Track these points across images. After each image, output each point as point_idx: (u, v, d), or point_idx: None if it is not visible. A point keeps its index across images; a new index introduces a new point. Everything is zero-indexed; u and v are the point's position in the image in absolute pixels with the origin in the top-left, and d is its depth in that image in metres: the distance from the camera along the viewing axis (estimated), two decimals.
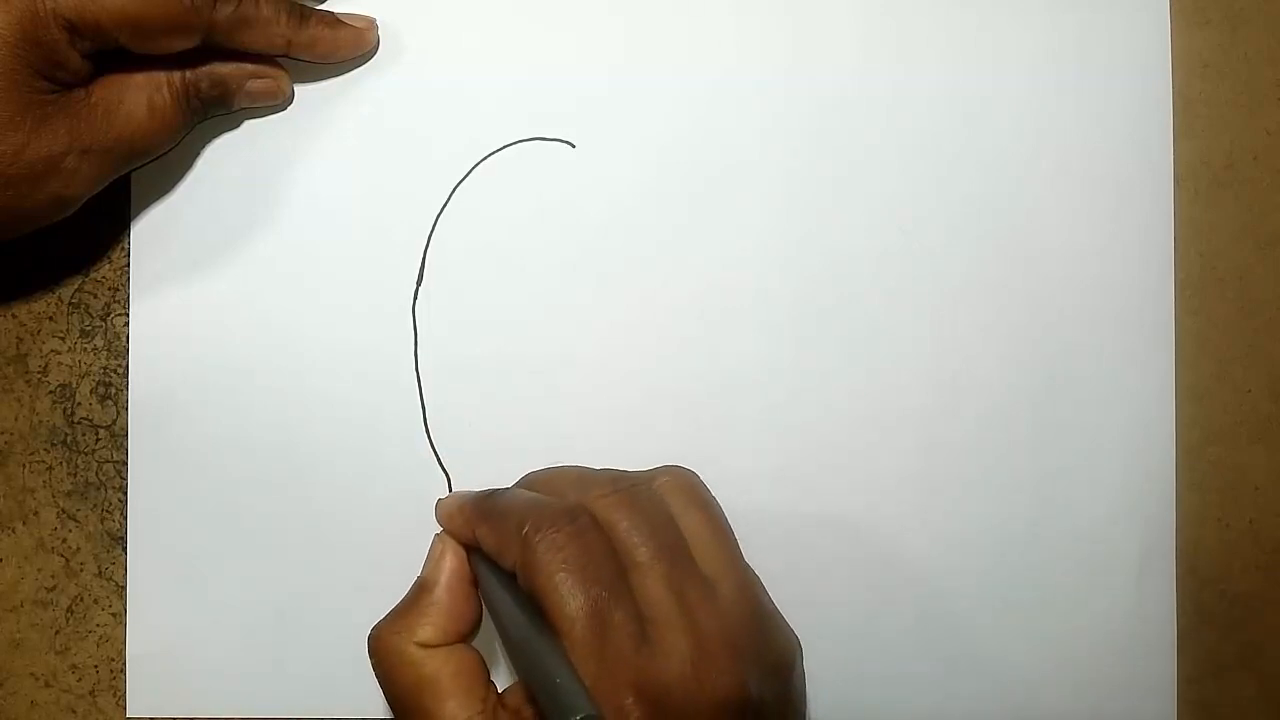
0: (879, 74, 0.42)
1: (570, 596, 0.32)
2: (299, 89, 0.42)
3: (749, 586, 0.35)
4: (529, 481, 0.38)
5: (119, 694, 0.42)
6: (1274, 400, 0.43)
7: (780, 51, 0.42)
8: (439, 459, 0.42)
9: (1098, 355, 0.42)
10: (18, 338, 0.43)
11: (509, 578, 0.34)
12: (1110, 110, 0.42)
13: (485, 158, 0.42)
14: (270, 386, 0.42)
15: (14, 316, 0.43)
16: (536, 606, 0.33)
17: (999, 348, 0.42)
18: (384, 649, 0.35)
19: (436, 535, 0.37)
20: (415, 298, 0.42)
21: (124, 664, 0.42)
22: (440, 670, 0.34)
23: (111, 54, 0.38)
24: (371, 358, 0.42)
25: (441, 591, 0.36)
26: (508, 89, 0.42)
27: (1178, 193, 0.43)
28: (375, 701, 0.42)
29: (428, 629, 0.35)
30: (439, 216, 0.42)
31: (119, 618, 0.42)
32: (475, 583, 0.36)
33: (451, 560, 0.36)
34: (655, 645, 0.32)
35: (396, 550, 0.42)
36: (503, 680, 0.36)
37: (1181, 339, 0.43)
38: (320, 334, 0.42)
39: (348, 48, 0.41)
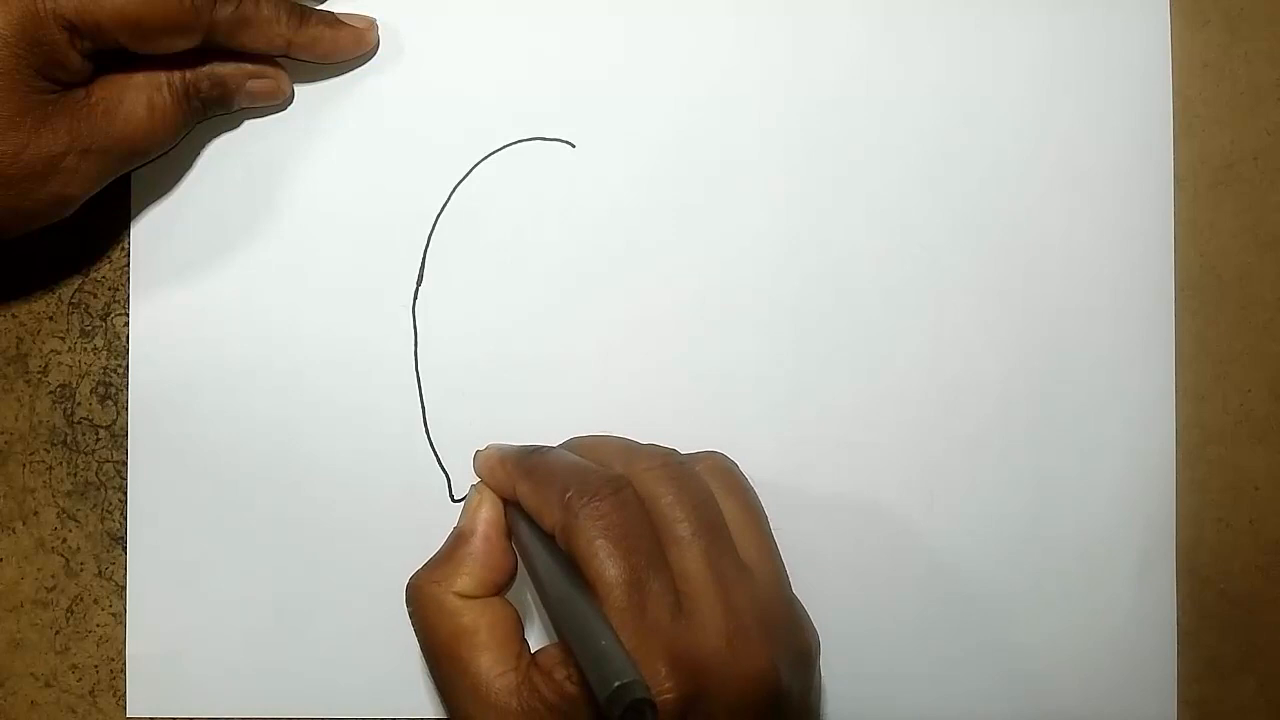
0: (879, 74, 0.42)
1: (609, 563, 0.32)
2: (299, 89, 0.42)
3: (782, 576, 0.36)
4: (573, 445, 0.38)
5: (119, 694, 0.42)
6: (1274, 400, 0.43)
7: (780, 51, 0.42)
8: (439, 459, 0.42)
9: (1098, 355, 0.42)
10: (18, 338, 0.43)
11: (547, 537, 0.34)
12: (1110, 110, 0.42)
13: (485, 158, 0.42)
14: (270, 386, 0.42)
15: (14, 316, 0.43)
16: (575, 569, 0.33)
17: (999, 348, 0.42)
18: (423, 598, 0.35)
19: (474, 486, 0.37)
20: (415, 298, 0.42)
21: (124, 664, 0.42)
22: (478, 621, 0.34)
23: (111, 54, 0.38)
24: (371, 358, 0.42)
25: (479, 542, 0.36)
26: (508, 89, 0.42)
27: (1178, 193, 0.43)
28: (375, 701, 0.42)
29: (465, 579, 0.35)
30: (439, 216, 0.42)
31: (119, 618, 0.42)
32: (511, 536, 0.36)
33: (489, 512, 0.36)
34: (691, 618, 0.32)
35: (396, 550, 0.42)
36: (535, 640, 0.36)
37: (1181, 339, 0.43)
38: (320, 334, 0.42)
39: (348, 48, 0.41)
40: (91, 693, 0.43)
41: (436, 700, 0.42)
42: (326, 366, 0.42)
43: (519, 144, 0.42)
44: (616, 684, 0.28)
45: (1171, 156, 0.43)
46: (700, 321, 0.42)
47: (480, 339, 0.42)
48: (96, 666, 0.43)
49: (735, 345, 0.42)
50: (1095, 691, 0.42)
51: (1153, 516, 0.42)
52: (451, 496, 0.42)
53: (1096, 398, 0.42)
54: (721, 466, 0.37)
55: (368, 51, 0.42)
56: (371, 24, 0.42)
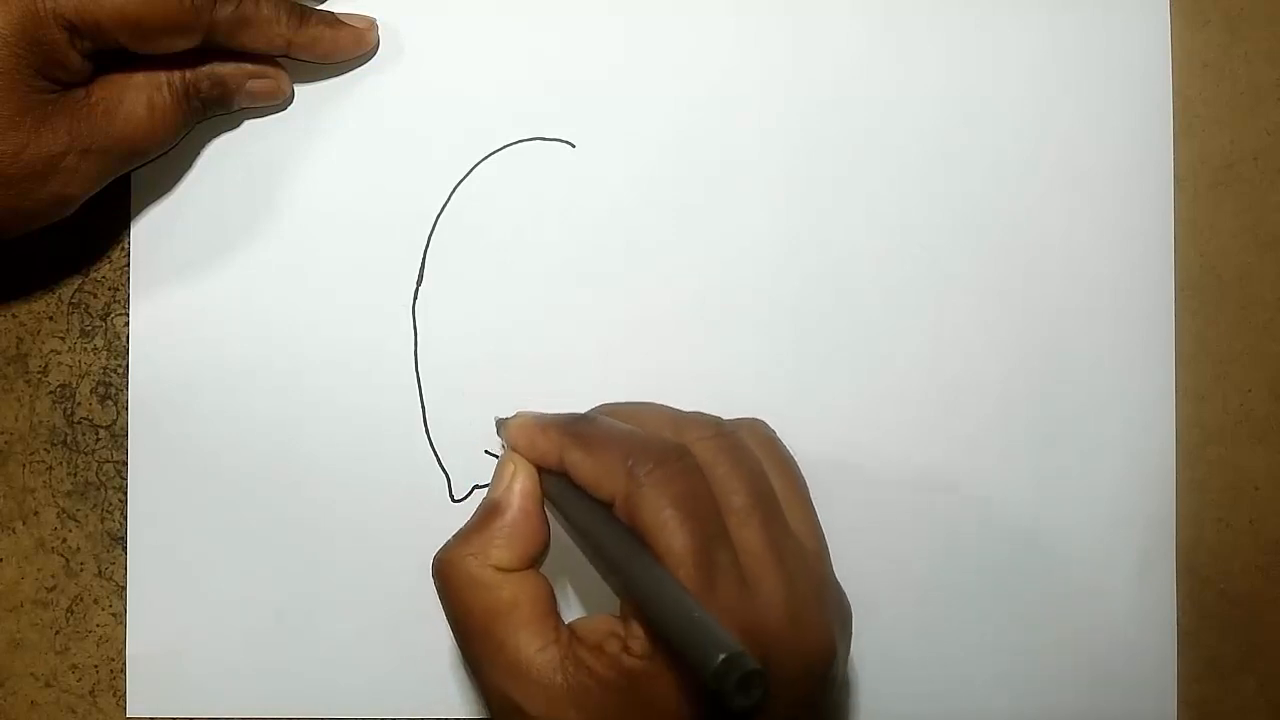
0: (879, 74, 0.42)
1: (679, 534, 0.31)
2: (299, 89, 0.42)
3: (824, 547, 0.35)
4: (610, 412, 0.37)
5: (119, 694, 0.42)
6: (1274, 400, 0.43)
7: (780, 51, 0.42)
8: (439, 459, 0.42)
9: (1098, 355, 0.42)
10: (18, 338, 0.43)
11: (602, 507, 0.33)
12: (1110, 110, 0.42)
13: (485, 158, 0.42)
14: (270, 386, 0.42)
15: (14, 316, 0.43)
16: (639, 540, 0.32)
17: (999, 348, 0.42)
18: (456, 572, 0.34)
19: (505, 455, 0.36)
20: (415, 298, 0.42)
21: (124, 664, 0.42)
22: (517, 595, 0.33)
23: (111, 54, 0.38)
24: (371, 358, 0.42)
25: (516, 513, 0.34)
26: (508, 89, 0.42)
27: (1178, 193, 0.43)
28: (375, 701, 0.42)
29: (502, 551, 0.34)
30: (439, 216, 0.42)
31: (119, 618, 0.42)
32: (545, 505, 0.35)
33: (525, 481, 0.35)
34: (755, 591, 0.32)
35: (396, 550, 0.42)
36: (568, 611, 0.35)
37: (1181, 339, 0.43)
38: (320, 334, 0.42)
39: (348, 48, 0.41)
40: (91, 693, 0.43)
41: (436, 700, 0.42)
42: (326, 366, 0.42)
43: (519, 144, 0.42)
44: (722, 656, 0.27)
45: (1171, 156, 0.43)
46: (700, 321, 0.42)
47: (480, 339, 0.42)
48: (96, 666, 0.43)
49: (735, 345, 0.42)
50: (1095, 691, 0.42)
51: (1153, 516, 0.42)
52: (451, 496, 0.42)
53: (1096, 398, 0.42)
54: (765, 436, 0.36)
55: (368, 51, 0.42)
56: (371, 24, 0.42)
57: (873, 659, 0.42)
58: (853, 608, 0.35)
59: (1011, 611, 0.42)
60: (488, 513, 0.35)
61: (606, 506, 0.33)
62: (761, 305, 0.42)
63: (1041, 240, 0.42)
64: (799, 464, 0.36)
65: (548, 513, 0.35)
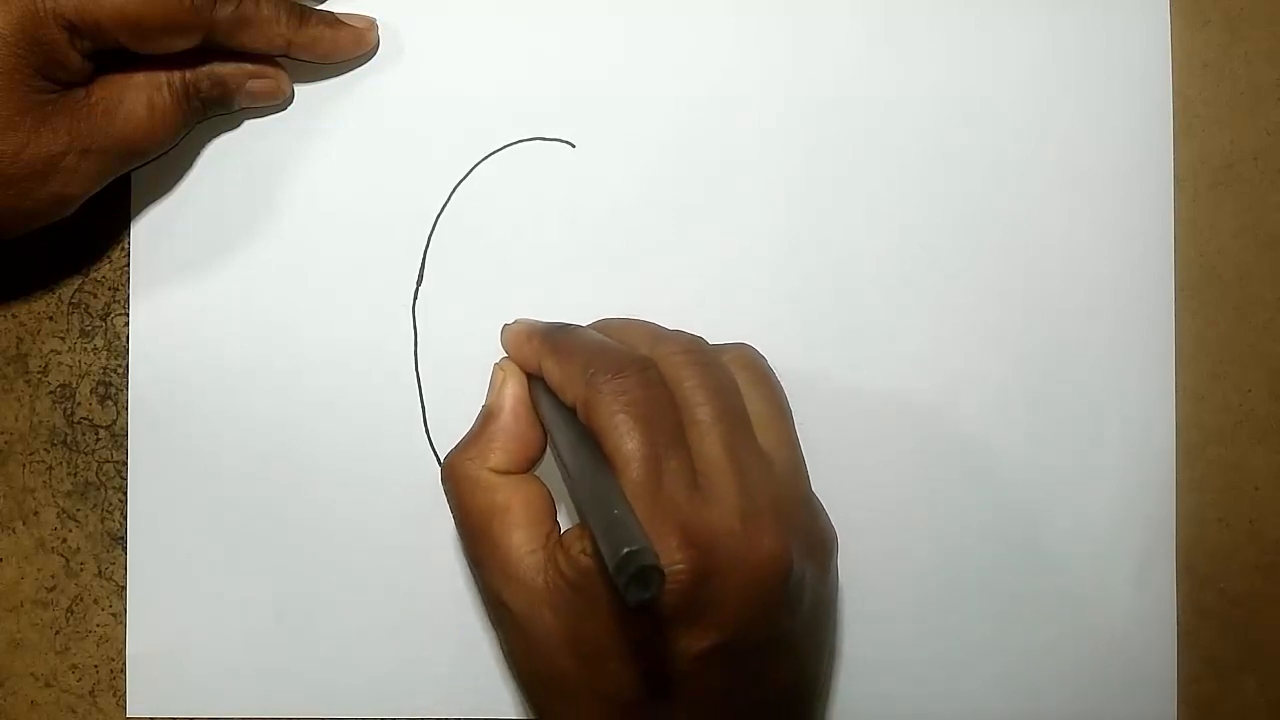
0: (879, 74, 0.42)
1: (628, 437, 0.32)
2: (299, 89, 0.42)
3: (801, 469, 0.36)
4: (601, 326, 0.38)
5: (119, 694, 0.42)
6: (1274, 400, 0.43)
7: (780, 51, 0.42)
8: (439, 459, 0.42)
9: (1098, 355, 0.42)
10: (18, 338, 0.43)
11: (570, 412, 0.34)
12: (1110, 110, 0.42)
13: (485, 158, 0.42)
14: (270, 386, 0.42)
15: (14, 316, 0.43)
16: (595, 445, 0.33)
17: (999, 347, 0.42)
18: (459, 475, 0.35)
19: (498, 363, 0.37)
20: (415, 298, 0.42)
21: (124, 664, 0.42)
22: (511, 498, 0.35)
23: (112, 54, 0.38)
24: (371, 358, 0.42)
25: (508, 417, 0.36)
26: (508, 89, 0.42)
27: (1178, 193, 0.43)
28: (375, 701, 0.42)
29: (498, 454, 0.35)
30: (439, 216, 0.42)
31: (119, 618, 0.42)
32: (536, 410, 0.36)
33: (514, 387, 0.36)
34: (706, 496, 0.32)
35: (396, 550, 0.42)
36: (566, 522, 0.36)
37: (1181, 339, 0.43)
38: (320, 334, 0.42)
39: (348, 48, 0.41)
40: (91, 693, 0.43)
41: (436, 700, 0.42)
42: (326, 366, 0.42)
43: (519, 144, 0.42)
44: (625, 550, 0.28)
45: (1171, 156, 0.43)
46: (700, 321, 0.42)
47: (480, 339, 0.42)
48: (96, 666, 0.43)
49: None
50: (1095, 691, 0.42)
51: (1153, 516, 0.42)
52: None
53: (1096, 398, 0.42)
54: (749, 358, 0.37)
55: (368, 51, 0.42)
56: (371, 24, 0.42)
57: (872, 658, 0.42)
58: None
59: (1012, 611, 0.42)
60: (485, 418, 0.36)
61: (572, 412, 0.34)
62: (762, 304, 0.42)
63: (1041, 240, 0.42)
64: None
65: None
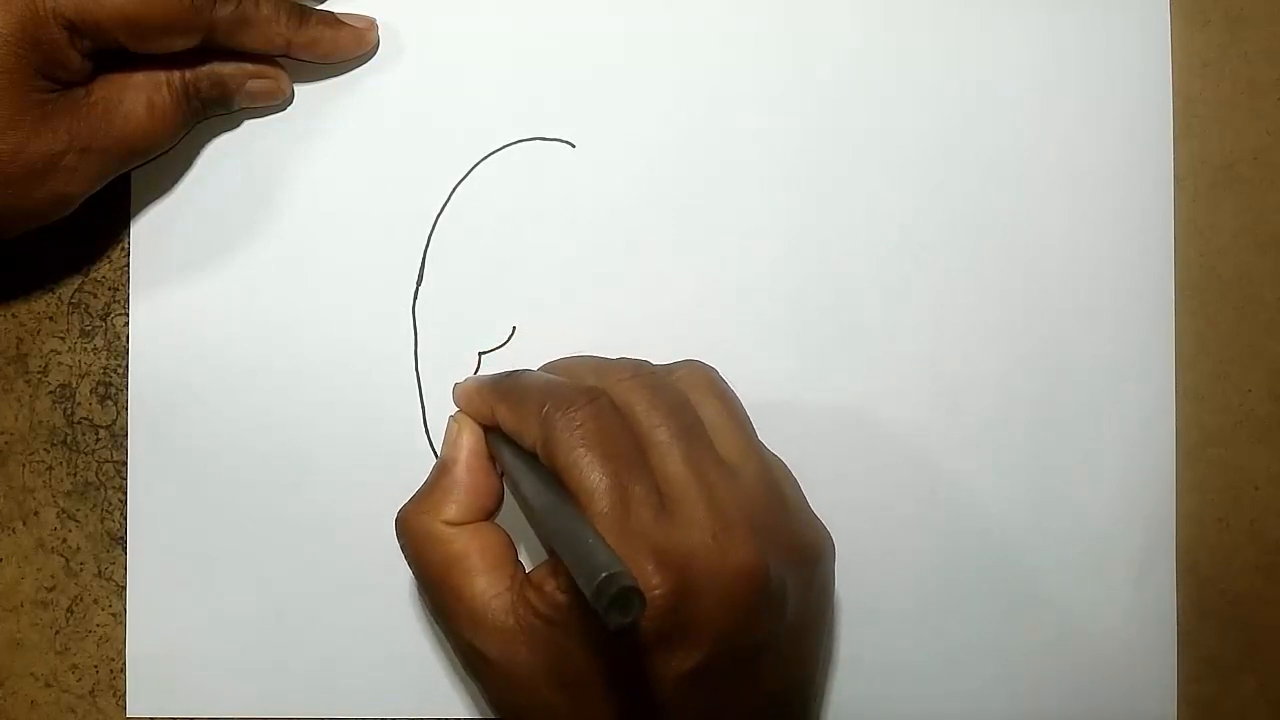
0: (878, 74, 0.42)
1: (589, 469, 0.32)
2: (299, 89, 0.42)
3: (770, 472, 0.35)
4: (549, 367, 0.38)
5: (119, 694, 0.42)
6: (1274, 400, 0.43)
7: (780, 51, 0.42)
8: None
9: (1098, 355, 0.42)
10: (18, 338, 0.43)
11: (530, 457, 0.35)
12: (1110, 110, 0.42)
13: (485, 158, 0.42)
14: (270, 386, 0.42)
15: (14, 316, 0.43)
16: (559, 483, 0.33)
17: (999, 347, 0.42)
18: (412, 528, 0.35)
19: (452, 416, 0.37)
20: (415, 298, 0.42)
21: (124, 664, 0.42)
22: (468, 546, 0.35)
23: (111, 53, 0.38)
24: (371, 358, 0.42)
25: (462, 470, 0.36)
26: (508, 89, 0.42)
27: (1178, 193, 0.43)
28: (375, 701, 0.42)
29: (452, 507, 0.35)
30: (439, 216, 0.42)
31: (119, 618, 0.42)
32: (494, 461, 0.37)
33: (469, 439, 0.36)
34: (675, 516, 0.32)
35: (396, 550, 0.42)
36: (528, 563, 0.36)
37: (1181, 339, 0.43)
38: (320, 334, 0.42)
39: (348, 48, 0.41)
40: (91, 693, 0.43)
41: (436, 700, 0.42)
42: (326, 366, 0.42)
43: (519, 144, 0.42)
44: (603, 575, 0.28)
45: (1171, 156, 0.43)
46: (700, 321, 0.42)
47: (480, 339, 0.42)
48: (96, 666, 0.43)
49: (735, 345, 0.42)
50: (1095, 691, 0.42)
51: (1153, 516, 0.42)
52: None
53: (1096, 398, 0.42)
54: (700, 373, 0.37)
55: (368, 51, 0.42)
56: (371, 24, 0.42)
57: (871, 659, 0.42)
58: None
59: (1011, 611, 0.42)
60: (439, 471, 0.36)
61: (532, 456, 0.34)
62: (761, 304, 0.42)
63: (1041, 240, 0.42)
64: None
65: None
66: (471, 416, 0.37)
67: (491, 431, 0.37)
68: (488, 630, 0.33)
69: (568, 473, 0.33)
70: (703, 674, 0.32)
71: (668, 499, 0.33)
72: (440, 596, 0.35)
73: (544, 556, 0.34)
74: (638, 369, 0.36)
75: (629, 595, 0.28)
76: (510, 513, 0.36)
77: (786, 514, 0.35)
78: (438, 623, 0.36)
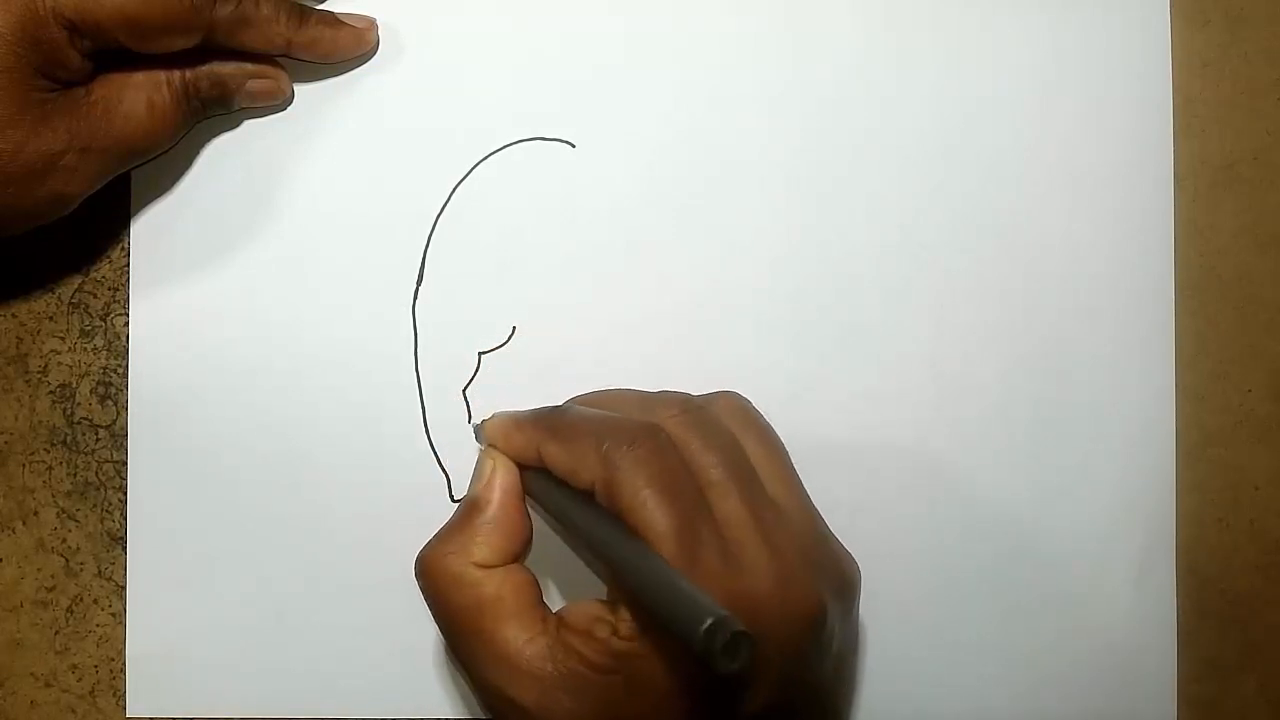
0: (878, 74, 0.42)
1: (659, 512, 0.31)
2: (299, 89, 0.42)
3: (811, 510, 0.35)
4: (586, 401, 0.37)
5: (119, 694, 0.42)
6: (1274, 400, 0.43)
7: (780, 51, 0.42)
8: (439, 459, 0.42)
9: (1098, 355, 0.42)
10: (18, 338, 0.43)
11: (581, 495, 0.33)
12: (1110, 110, 0.43)
13: (485, 158, 0.42)
14: (270, 386, 0.42)
15: (14, 316, 0.43)
16: (618, 522, 0.32)
17: (999, 347, 0.42)
18: (437, 571, 0.34)
19: (483, 452, 0.36)
20: (415, 298, 0.42)
21: (124, 664, 0.42)
22: (501, 590, 0.33)
23: (111, 53, 0.38)
24: (371, 358, 0.42)
25: (496, 510, 0.35)
26: (508, 89, 0.42)
27: (1178, 193, 0.43)
28: (375, 701, 0.42)
29: (484, 549, 0.34)
30: (439, 216, 0.42)
31: (119, 618, 0.42)
32: (525, 500, 0.35)
33: (504, 477, 0.35)
34: (739, 562, 0.32)
35: (396, 550, 0.42)
36: (552, 602, 0.35)
37: (1181, 339, 0.43)
38: (320, 334, 0.42)
39: (348, 48, 0.41)
40: (91, 693, 0.43)
41: (436, 700, 0.42)
42: (326, 366, 0.42)
43: (519, 144, 0.42)
44: (709, 620, 0.27)
45: (1171, 156, 0.43)
46: (700, 321, 0.42)
47: (480, 339, 0.42)
48: (96, 666, 0.43)
49: (735, 345, 0.42)
50: (1095, 691, 0.42)
51: (1153, 516, 0.42)
52: (451, 496, 0.42)
53: (1096, 398, 0.42)
54: (738, 406, 0.36)
55: (368, 51, 0.42)
56: (371, 24, 0.42)
57: (873, 658, 0.42)
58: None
59: (1011, 611, 0.42)
60: (469, 510, 0.35)
61: (587, 494, 0.33)
62: (761, 305, 0.42)
63: (1041, 240, 0.42)
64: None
65: (529, 507, 0.36)
66: (508, 453, 0.35)
67: (528, 470, 0.35)
68: (523, 677, 0.32)
69: (634, 513, 0.32)
70: (765, 716, 0.32)
71: (729, 542, 0.32)
72: (470, 642, 0.33)
73: (564, 599, 0.33)
74: (685, 404, 0.35)
75: (739, 640, 0.28)
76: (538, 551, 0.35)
77: (828, 547, 0.35)
78: (463, 669, 0.35)
